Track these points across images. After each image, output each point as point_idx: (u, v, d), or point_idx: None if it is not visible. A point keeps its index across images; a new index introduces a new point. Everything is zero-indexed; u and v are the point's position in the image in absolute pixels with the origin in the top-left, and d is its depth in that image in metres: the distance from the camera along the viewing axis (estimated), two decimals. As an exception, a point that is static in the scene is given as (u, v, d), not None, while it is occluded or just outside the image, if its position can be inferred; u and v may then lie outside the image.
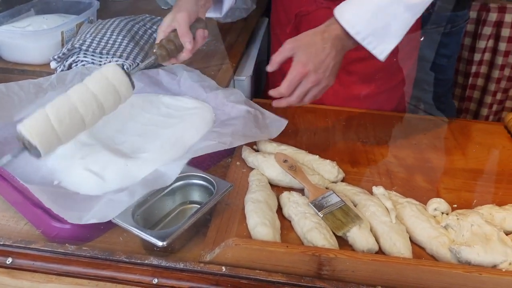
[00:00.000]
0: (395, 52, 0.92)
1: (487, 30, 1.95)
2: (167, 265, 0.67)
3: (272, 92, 0.89)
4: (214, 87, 1.10)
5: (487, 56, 2.02)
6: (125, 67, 1.12)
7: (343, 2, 0.87)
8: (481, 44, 1.98)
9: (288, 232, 0.77)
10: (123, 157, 0.84)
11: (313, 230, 0.72)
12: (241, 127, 0.95)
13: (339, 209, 0.77)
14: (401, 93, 1.28)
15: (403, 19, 0.85)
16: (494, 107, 2.11)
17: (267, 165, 0.87)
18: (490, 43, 1.99)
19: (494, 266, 0.68)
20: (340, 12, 0.86)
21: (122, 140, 0.91)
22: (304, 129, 1.07)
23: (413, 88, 1.87)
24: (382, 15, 0.84)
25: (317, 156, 0.91)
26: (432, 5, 0.90)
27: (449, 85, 1.90)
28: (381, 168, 0.94)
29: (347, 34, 0.85)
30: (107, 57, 1.13)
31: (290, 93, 0.88)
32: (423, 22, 1.28)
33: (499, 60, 2.00)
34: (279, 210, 0.81)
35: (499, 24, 1.94)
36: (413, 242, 0.75)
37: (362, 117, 1.13)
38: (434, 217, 0.78)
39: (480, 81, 2.09)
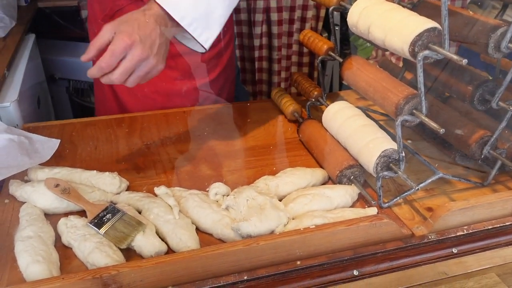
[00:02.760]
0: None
1: (259, 17, 2.12)
2: None
3: (91, 71, 0.76)
4: (-36, 121, 0.95)
5: (264, 40, 2.20)
6: None
7: None
8: (257, 30, 2.15)
9: (70, 261, 0.70)
10: None
11: (94, 251, 0.68)
12: (2, 159, 0.84)
13: (121, 220, 0.73)
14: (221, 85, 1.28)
15: (224, 6, 0.84)
16: (282, 85, 2.32)
17: (37, 195, 0.79)
18: (264, 28, 2.17)
19: (272, 232, 0.74)
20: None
21: None
22: (83, 146, 1.00)
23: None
24: (204, 1, 0.81)
25: (95, 171, 0.86)
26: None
27: (236, 72, 2.01)
28: (167, 166, 0.94)
29: (170, 17, 0.78)
30: None
31: (113, 67, 0.74)
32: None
33: (275, 42, 2.19)
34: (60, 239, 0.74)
35: (267, 10, 2.13)
36: (201, 231, 0.76)
37: (145, 120, 1.11)
38: (217, 201, 0.80)
39: (265, 64, 2.27)
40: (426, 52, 0.69)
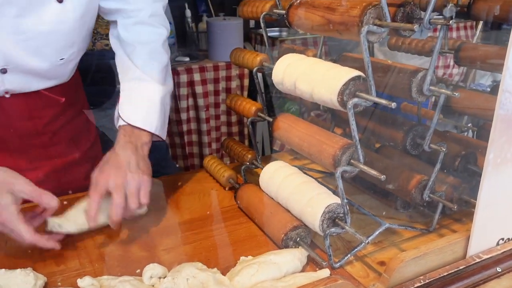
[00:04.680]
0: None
1: (183, 91, 2.12)
2: None
3: (113, 223, 0.84)
4: None
5: (192, 113, 2.19)
6: None
7: (125, 110, 0.94)
8: (183, 104, 2.14)
9: None
10: None
11: None
12: None
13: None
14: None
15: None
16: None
17: None
18: (190, 101, 2.17)
19: (219, 313, 0.65)
20: (134, 119, 0.93)
21: None
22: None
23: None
24: (164, 109, 0.98)
25: (3, 269, 0.73)
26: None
27: (164, 148, 1.95)
28: (92, 253, 0.83)
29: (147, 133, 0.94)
30: None
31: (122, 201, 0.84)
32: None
33: (203, 114, 2.19)
34: None
35: (191, 84, 2.13)
36: (136, 324, 0.66)
37: (67, 204, 0.99)
38: (153, 286, 0.71)
39: (194, 137, 2.24)
40: (355, 99, 0.69)
